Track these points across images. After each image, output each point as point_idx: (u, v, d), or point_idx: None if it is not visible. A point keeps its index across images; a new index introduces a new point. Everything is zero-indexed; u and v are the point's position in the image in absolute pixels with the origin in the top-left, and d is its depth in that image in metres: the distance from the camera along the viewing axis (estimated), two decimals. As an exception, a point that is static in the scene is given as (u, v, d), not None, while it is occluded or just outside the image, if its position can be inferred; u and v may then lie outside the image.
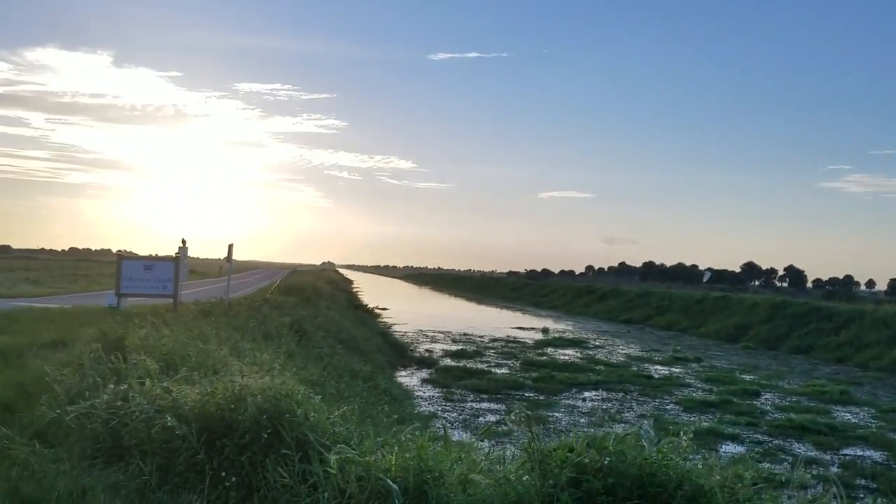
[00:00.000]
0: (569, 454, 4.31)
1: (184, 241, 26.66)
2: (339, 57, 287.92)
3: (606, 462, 4.19)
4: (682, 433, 4.92)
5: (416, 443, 4.40)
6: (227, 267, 20.91)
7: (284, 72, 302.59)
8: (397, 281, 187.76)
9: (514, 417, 4.78)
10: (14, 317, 15.95)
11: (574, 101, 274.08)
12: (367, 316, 37.23)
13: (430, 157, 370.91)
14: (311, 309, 23.13)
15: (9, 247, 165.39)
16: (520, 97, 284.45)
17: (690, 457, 4.78)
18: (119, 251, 47.72)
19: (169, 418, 4.64)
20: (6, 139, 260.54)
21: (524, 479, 4.02)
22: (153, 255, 31.69)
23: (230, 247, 20.57)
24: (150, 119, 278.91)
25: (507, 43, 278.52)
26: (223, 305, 15.19)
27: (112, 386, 5.20)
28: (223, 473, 4.45)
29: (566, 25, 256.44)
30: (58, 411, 5.30)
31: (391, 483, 4.02)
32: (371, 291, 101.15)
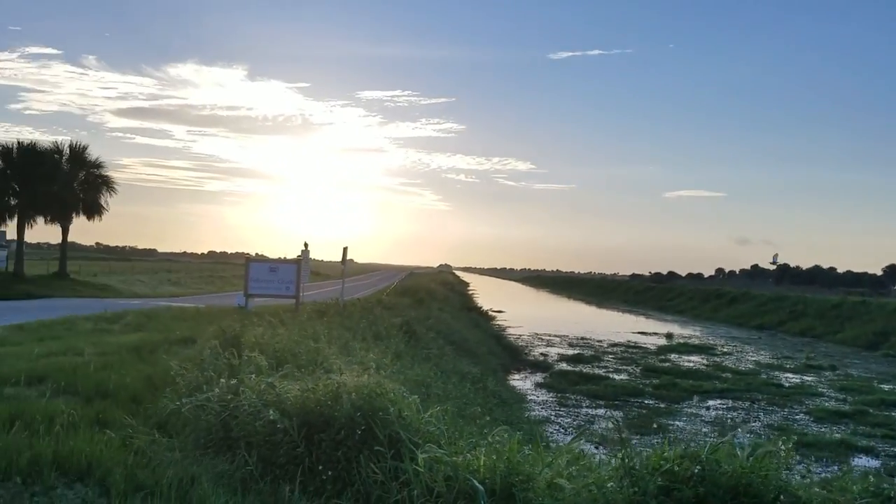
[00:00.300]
0: (662, 462, 4.16)
1: (306, 245, 27.85)
2: (458, 61, 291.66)
3: (696, 471, 4.00)
4: (780, 443, 4.62)
5: (506, 445, 4.39)
6: (342, 269, 21.64)
7: (405, 78, 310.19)
8: (514, 284, 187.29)
9: (608, 425, 4.64)
10: (153, 315, 17.20)
11: (702, 96, 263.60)
12: (481, 318, 37.36)
13: (549, 157, 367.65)
14: (424, 311, 23.50)
15: (155, 250, 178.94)
16: (644, 94, 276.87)
17: (794, 467, 4.47)
18: (246, 255, 50.43)
19: (271, 412, 4.88)
20: (153, 150, 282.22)
21: (608, 485, 3.91)
22: (281, 258, 33.31)
23: (345, 250, 21.29)
24: (281, 129, 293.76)
25: (630, 39, 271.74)
26: (338, 306, 15.72)
27: (223, 380, 5.53)
28: (320, 467, 4.63)
29: (693, 19, 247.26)
30: (177, 403, 5.68)
31: (477, 484, 4.04)
32: (487, 294, 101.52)
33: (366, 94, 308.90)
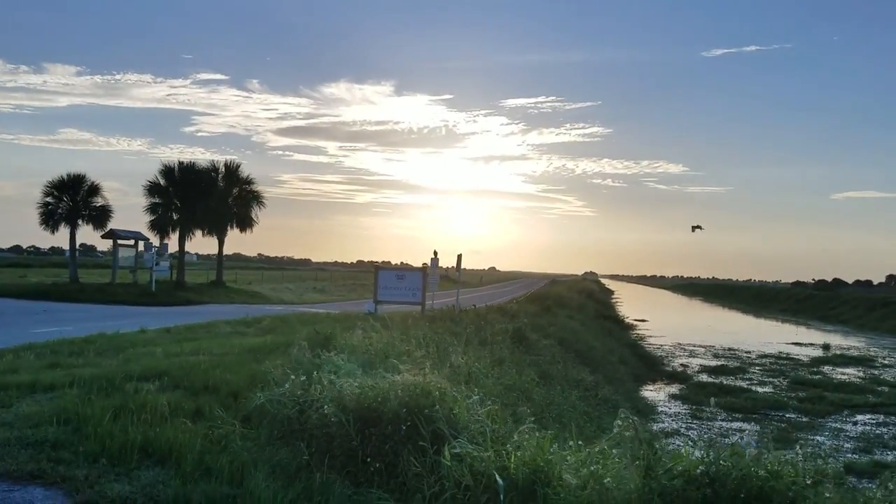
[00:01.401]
0: (678, 464, 4.04)
1: (435, 253, 28.64)
2: (603, 64, 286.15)
3: (699, 471, 3.84)
4: (797, 448, 4.33)
5: (533, 443, 4.43)
6: (457, 276, 22.02)
7: (548, 84, 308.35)
8: (664, 291, 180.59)
9: (621, 424, 4.56)
10: (286, 320, 18.37)
11: (870, 90, 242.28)
12: (616, 327, 36.50)
13: (703, 159, 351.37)
14: (548, 318, 23.38)
15: (309, 260, 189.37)
16: (806, 90, 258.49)
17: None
18: (377, 264, 52.34)
19: (326, 407, 5.21)
20: (308, 166, 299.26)
21: (619, 482, 3.85)
22: (408, 265, 34.30)
23: (459, 257, 21.69)
24: (425, 140, 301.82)
25: (790, 33, 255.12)
26: (453, 312, 16.07)
27: (293, 377, 5.93)
28: (368, 459, 4.89)
29: (858, 10, 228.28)
30: (258, 396, 6.17)
31: (498, 478, 4.12)
32: (632, 302, 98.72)
33: (509, 102, 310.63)
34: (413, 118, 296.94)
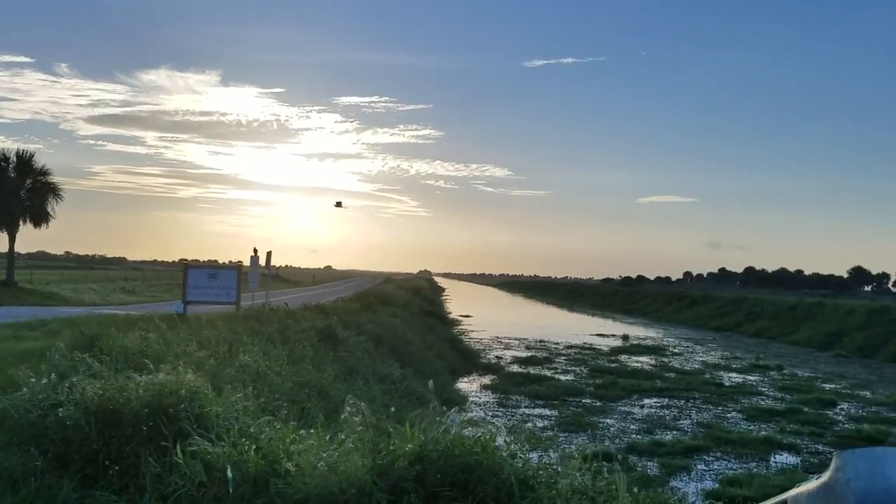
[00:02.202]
0: (401, 446, 4.31)
1: (255, 251, 27.79)
2: (435, 68, 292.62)
3: (408, 449, 4.15)
4: (497, 428, 4.79)
5: (273, 434, 4.54)
6: (267, 274, 21.79)
7: (382, 84, 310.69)
8: (490, 289, 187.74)
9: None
10: (78, 322, 17.07)
11: (675, 102, 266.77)
12: (438, 323, 37.51)
13: (526, 164, 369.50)
14: (369, 315, 23.57)
15: (124, 258, 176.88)
16: (618, 101, 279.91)
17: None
18: (184, 260, 50.13)
19: (61, 410, 5.00)
20: (124, 157, 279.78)
21: (341, 468, 4.05)
22: (223, 263, 33.15)
23: (268, 254, 21.52)
24: (255, 134, 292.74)
25: (603, 47, 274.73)
26: (263, 311, 15.81)
27: (33, 380, 5.60)
28: (107, 462, 4.75)
29: (665, 27, 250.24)
30: (4, 402, 5.74)
31: (229, 472, 4.18)
32: (460, 299, 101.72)
33: (343, 99, 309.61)
34: (242, 110, 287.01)
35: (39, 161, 36.27)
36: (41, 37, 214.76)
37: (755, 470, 14.87)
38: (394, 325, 24.26)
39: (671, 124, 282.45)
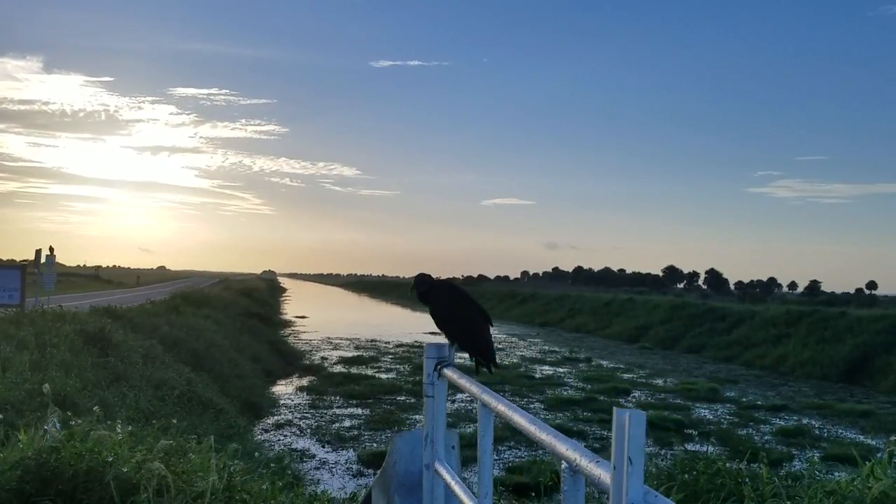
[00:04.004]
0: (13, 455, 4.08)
1: (51, 249, 25.70)
2: (279, 62, 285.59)
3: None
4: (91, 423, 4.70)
5: None
6: (46, 273, 20.49)
7: (222, 77, 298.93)
8: (336, 289, 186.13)
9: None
10: None
11: (516, 108, 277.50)
12: (262, 325, 36.55)
13: (374, 164, 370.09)
14: (172, 317, 22.50)
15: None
16: (462, 105, 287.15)
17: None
18: (13, 261, 45.79)
19: None
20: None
21: None
22: (7, 261, 30.44)
23: (38, 252, 20.27)
24: (82, 125, 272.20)
25: (448, 52, 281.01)
26: (34, 315, 14.60)
27: None
28: None
29: (505, 35, 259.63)
30: None
31: None
32: (301, 299, 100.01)
33: (178, 90, 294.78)
34: (66, 99, 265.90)
35: None
36: None
37: (539, 457, 15.66)
38: (200, 327, 23.32)
39: (512, 129, 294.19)
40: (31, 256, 24.00)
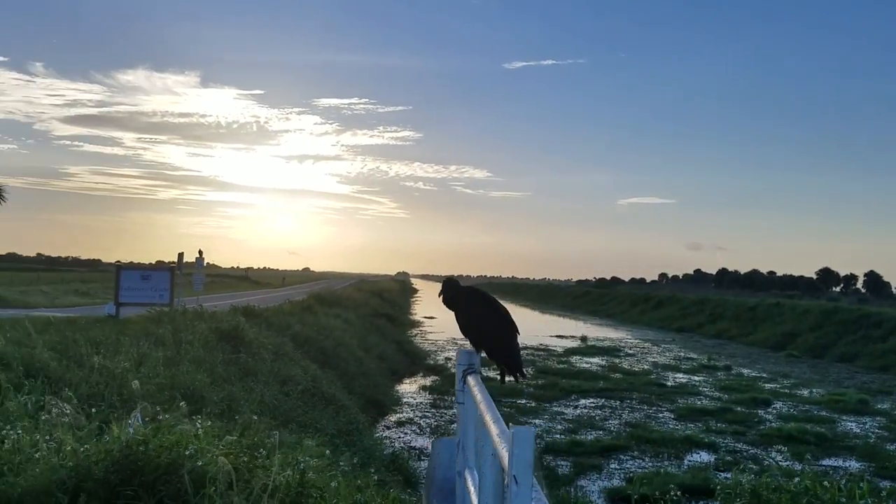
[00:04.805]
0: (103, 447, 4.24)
1: (200, 252, 27.66)
2: (414, 70, 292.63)
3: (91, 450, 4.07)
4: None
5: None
6: (195, 275, 21.62)
7: (361, 86, 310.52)
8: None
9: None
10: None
11: (654, 104, 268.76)
12: (390, 325, 37.36)
13: (505, 165, 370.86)
14: (305, 316, 23.43)
15: (99, 261, 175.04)
16: (598, 102, 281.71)
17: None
18: (117, 262, 49.73)
19: None
20: (101, 158, 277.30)
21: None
22: (154, 264, 32.80)
23: (180, 255, 21.47)
24: (235, 136, 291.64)
25: (583, 49, 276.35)
26: (175, 314, 15.63)
27: None
28: None
29: (644, 30, 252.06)
30: None
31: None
32: (431, 301, 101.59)
33: (322, 101, 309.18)
34: (221, 112, 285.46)
35: (11, 162, 35.97)
36: (15, 35, 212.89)
37: (665, 468, 14.91)
38: (330, 326, 24.11)
39: (650, 126, 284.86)
40: (192, 260, 25.80)
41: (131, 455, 3.94)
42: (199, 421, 4.74)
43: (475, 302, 3.48)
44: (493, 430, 2.08)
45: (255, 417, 8.56)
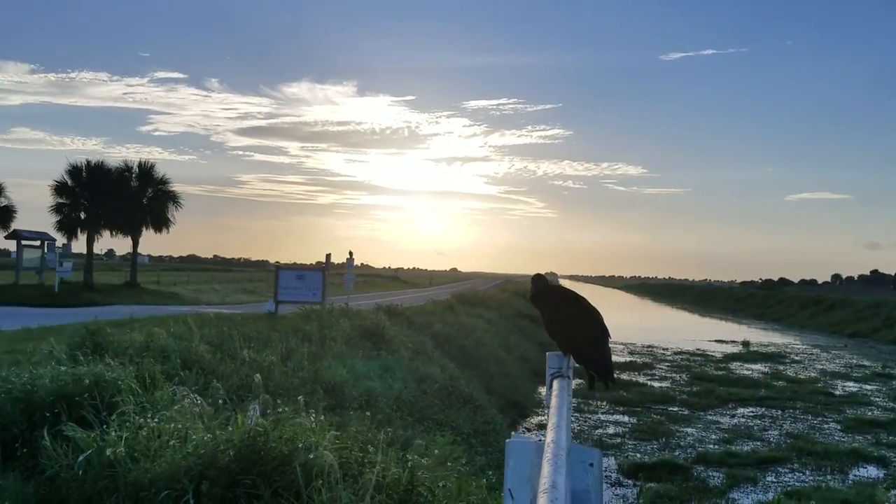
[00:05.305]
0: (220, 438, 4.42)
1: (350, 254, 28.98)
2: (563, 67, 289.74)
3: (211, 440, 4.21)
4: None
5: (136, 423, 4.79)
6: (346, 274, 22.44)
7: (509, 86, 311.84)
8: (618, 291, 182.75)
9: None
10: (164, 320, 18.37)
11: (824, 94, 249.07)
12: (532, 325, 37.08)
13: (661, 161, 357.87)
14: (445, 316, 23.79)
15: (266, 262, 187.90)
16: (762, 93, 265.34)
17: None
18: (276, 263, 52.39)
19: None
20: (269, 166, 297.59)
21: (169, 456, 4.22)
22: (310, 264, 34.43)
23: (328, 256, 22.35)
24: (388, 141, 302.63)
25: (745, 37, 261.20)
26: (322, 312, 16.40)
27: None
28: (16, 444, 5.20)
29: (811, 15, 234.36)
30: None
31: (81, 456, 4.47)
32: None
33: (471, 103, 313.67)
34: (375, 119, 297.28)
35: (160, 171, 39.41)
36: (193, 54, 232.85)
37: (827, 483, 13.75)
38: (471, 326, 24.31)
39: (821, 117, 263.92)
40: (341, 261, 27.09)
41: (252, 445, 4.16)
42: (314, 415, 4.91)
43: (563, 302, 3.32)
44: (548, 436, 1.95)
45: (367, 415, 8.80)
